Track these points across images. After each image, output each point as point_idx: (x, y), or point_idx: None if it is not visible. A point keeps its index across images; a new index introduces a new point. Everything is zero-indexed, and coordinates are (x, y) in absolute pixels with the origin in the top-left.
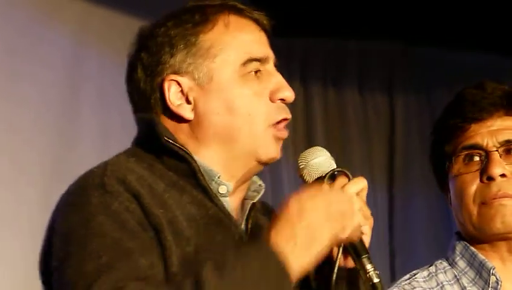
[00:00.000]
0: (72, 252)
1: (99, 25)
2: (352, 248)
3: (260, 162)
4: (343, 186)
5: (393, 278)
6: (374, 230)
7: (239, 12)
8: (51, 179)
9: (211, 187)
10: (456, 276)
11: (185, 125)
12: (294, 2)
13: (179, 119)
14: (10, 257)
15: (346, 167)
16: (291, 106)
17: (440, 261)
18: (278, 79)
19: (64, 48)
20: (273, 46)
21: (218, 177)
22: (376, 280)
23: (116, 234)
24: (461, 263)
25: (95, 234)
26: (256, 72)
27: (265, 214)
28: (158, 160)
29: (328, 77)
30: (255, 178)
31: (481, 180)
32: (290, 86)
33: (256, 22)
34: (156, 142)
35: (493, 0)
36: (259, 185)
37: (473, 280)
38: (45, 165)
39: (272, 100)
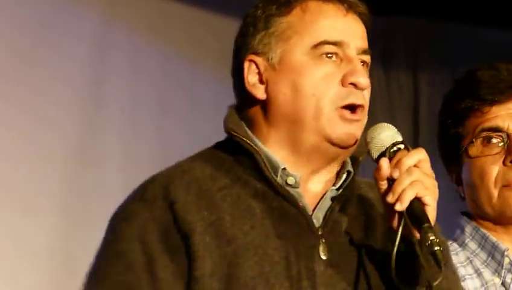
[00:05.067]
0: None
1: (125, 10)
2: (414, 217)
3: (331, 143)
4: (399, 159)
5: None
6: None
7: None
8: (75, 165)
9: (276, 179)
10: (468, 258)
11: (259, 107)
12: None
13: (255, 100)
14: (32, 245)
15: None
16: None
17: (450, 242)
18: (355, 65)
19: (89, 33)
20: None
21: (284, 169)
22: (436, 248)
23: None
24: (472, 245)
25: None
26: (330, 56)
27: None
28: (229, 155)
29: None
30: (348, 166)
31: (504, 163)
32: None
33: (342, 5)
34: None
35: None
36: (348, 171)
37: (485, 261)
38: (70, 151)
39: (343, 84)
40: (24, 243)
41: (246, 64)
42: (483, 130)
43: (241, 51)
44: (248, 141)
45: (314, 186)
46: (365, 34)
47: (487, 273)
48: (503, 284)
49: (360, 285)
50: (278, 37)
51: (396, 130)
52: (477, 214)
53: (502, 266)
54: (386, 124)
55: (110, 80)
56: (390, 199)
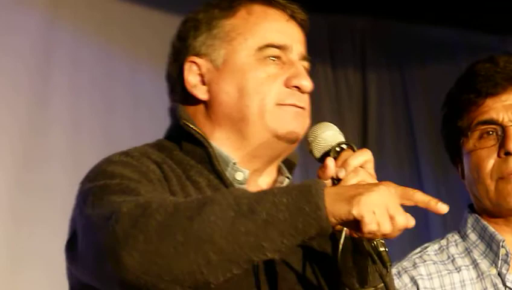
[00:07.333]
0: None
1: (68, 8)
2: None
3: (278, 137)
4: (345, 160)
5: None
6: None
7: (267, 2)
8: (22, 166)
9: (226, 173)
10: (467, 249)
11: (201, 107)
12: None
13: (195, 100)
14: None
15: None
16: None
17: (452, 234)
18: (298, 68)
19: (32, 31)
20: None
21: (234, 164)
22: (381, 249)
23: (135, 176)
24: (472, 236)
25: (114, 176)
26: (275, 58)
27: None
28: (178, 147)
29: None
30: (286, 173)
31: (498, 156)
32: None
33: (284, 11)
34: (177, 127)
35: None
36: (287, 177)
37: (484, 252)
38: (16, 152)
39: (286, 86)
40: None
41: (187, 66)
42: (479, 123)
43: (180, 53)
44: (202, 133)
45: (262, 181)
46: (305, 41)
47: (484, 265)
48: (499, 274)
49: (304, 285)
50: (221, 39)
51: (338, 129)
52: (479, 207)
53: (499, 257)
54: (328, 123)
55: (53, 78)
56: None
